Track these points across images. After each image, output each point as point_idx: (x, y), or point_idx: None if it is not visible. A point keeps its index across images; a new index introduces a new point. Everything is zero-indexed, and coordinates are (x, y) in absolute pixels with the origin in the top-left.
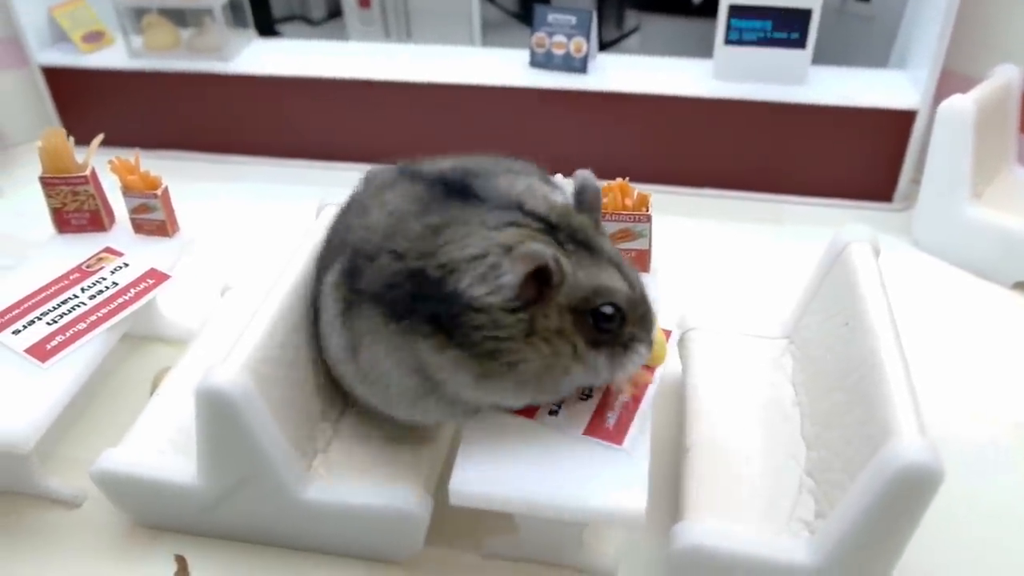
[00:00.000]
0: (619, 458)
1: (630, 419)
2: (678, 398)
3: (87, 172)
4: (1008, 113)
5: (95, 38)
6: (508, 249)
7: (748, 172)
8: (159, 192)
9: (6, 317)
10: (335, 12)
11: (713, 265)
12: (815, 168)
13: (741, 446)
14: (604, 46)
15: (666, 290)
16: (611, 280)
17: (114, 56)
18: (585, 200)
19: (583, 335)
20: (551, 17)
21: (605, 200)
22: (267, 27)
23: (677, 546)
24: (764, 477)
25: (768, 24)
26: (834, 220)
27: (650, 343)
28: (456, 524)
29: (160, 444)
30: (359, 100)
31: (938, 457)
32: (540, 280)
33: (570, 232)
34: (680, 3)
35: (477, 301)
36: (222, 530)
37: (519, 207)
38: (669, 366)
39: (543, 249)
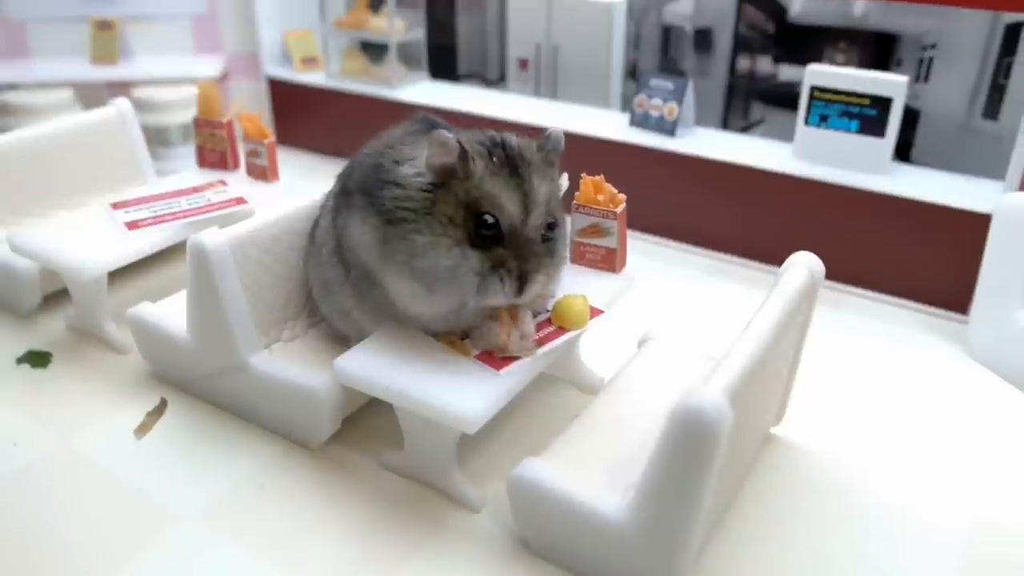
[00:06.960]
0: (490, 379)
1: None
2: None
3: (225, 120)
4: None
5: (310, 62)
6: None
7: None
8: (266, 142)
9: (129, 205)
10: (505, 75)
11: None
12: (886, 263)
13: (627, 425)
14: None
15: (633, 292)
16: (508, 201)
17: (317, 76)
18: (546, 143)
19: (467, 232)
20: (652, 82)
21: (579, 193)
22: (452, 78)
23: (511, 473)
24: (632, 450)
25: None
26: (897, 318)
27: (520, 279)
28: (375, 436)
29: (183, 307)
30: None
31: (719, 405)
32: (453, 173)
33: (505, 152)
34: None
35: (402, 178)
36: (204, 392)
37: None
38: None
39: (453, 140)
